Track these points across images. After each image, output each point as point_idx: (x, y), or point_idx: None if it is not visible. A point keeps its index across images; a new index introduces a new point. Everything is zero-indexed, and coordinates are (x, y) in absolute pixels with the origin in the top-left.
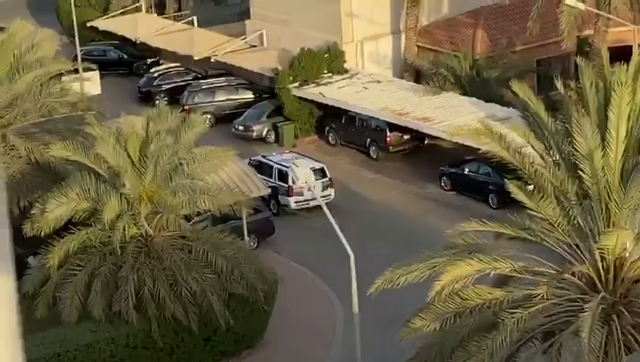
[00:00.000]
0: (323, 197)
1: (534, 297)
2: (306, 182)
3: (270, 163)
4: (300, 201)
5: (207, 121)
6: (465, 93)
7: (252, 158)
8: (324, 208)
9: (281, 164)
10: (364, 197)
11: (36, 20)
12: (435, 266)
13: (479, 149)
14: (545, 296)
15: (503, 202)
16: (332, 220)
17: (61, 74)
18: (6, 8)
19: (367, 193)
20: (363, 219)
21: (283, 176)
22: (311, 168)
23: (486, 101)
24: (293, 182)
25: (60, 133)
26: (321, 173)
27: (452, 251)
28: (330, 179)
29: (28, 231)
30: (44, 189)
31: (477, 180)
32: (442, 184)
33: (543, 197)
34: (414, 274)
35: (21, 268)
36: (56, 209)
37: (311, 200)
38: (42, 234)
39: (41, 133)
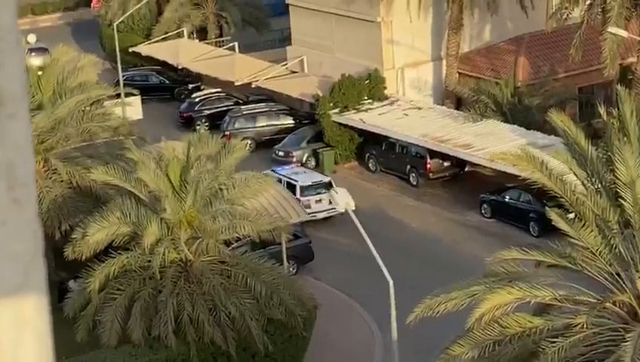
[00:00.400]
0: (329, 210)
1: (575, 326)
2: (346, 208)
3: (279, 175)
4: (308, 213)
5: (248, 147)
6: (506, 121)
7: (262, 172)
8: (364, 235)
9: (289, 177)
10: (404, 224)
11: (79, 46)
12: (474, 294)
13: (520, 176)
14: (585, 325)
15: (544, 230)
16: (371, 247)
17: (103, 99)
18: (51, 34)
19: (406, 220)
20: (403, 245)
21: (291, 188)
22: (317, 181)
23: (527, 128)
24: (302, 192)
25: (102, 158)
26: (328, 187)
27: (492, 279)
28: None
29: (69, 255)
30: (86, 213)
31: (518, 208)
32: (482, 211)
33: (584, 225)
34: (454, 301)
35: (62, 292)
36: (97, 233)
37: (317, 212)
38: (83, 258)
39: (83, 157)
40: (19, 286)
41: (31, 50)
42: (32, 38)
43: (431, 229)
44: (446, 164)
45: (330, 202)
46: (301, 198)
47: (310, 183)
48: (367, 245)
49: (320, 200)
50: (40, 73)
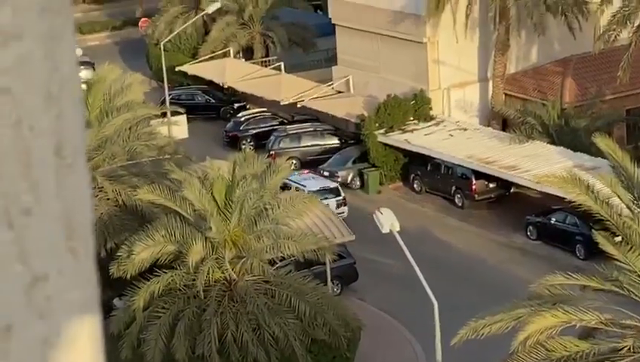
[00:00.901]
0: (337, 214)
1: (621, 350)
2: (391, 230)
3: (288, 181)
4: None
5: (293, 166)
6: (553, 142)
7: None
8: (409, 256)
9: (298, 183)
10: (449, 245)
11: (127, 65)
12: (519, 317)
13: (566, 199)
14: (632, 349)
15: (591, 253)
16: (416, 268)
17: (149, 117)
18: (98, 53)
19: (451, 241)
20: (447, 267)
21: None
22: (325, 187)
23: (574, 150)
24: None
25: (147, 176)
26: (335, 192)
27: (537, 302)
28: (344, 198)
29: (114, 273)
30: (131, 231)
31: (564, 230)
32: (528, 233)
33: (630, 248)
34: (499, 324)
35: (107, 310)
36: (143, 251)
37: None
38: (128, 276)
39: (129, 175)
40: (74, 336)
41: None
42: (78, 52)
43: (476, 251)
44: (491, 185)
45: (338, 206)
46: None
47: (318, 188)
48: (412, 266)
49: (327, 205)
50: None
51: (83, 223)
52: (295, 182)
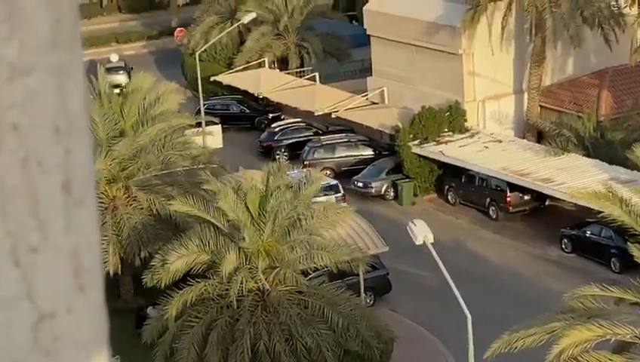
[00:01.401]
0: None
1: None
2: (424, 241)
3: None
4: None
5: (327, 177)
6: (588, 155)
7: None
8: (442, 268)
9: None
10: (483, 258)
11: (162, 74)
12: (553, 330)
13: (601, 212)
14: None
15: (626, 266)
16: (449, 280)
17: (184, 127)
18: (134, 62)
19: (485, 253)
20: (481, 279)
21: None
22: (325, 184)
23: (610, 163)
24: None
25: (182, 186)
26: (335, 188)
27: (571, 315)
28: (344, 195)
29: (148, 282)
30: (165, 241)
31: (599, 243)
32: (563, 246)
33: None
34: (532, 337)
35: (140, 319)
36: (176, 261)
37: None
38: (162, 285)
39: (163, 185)
40: None
41: (109, 69)
42: (114, 57)
43: (510, 263)
44: (526, 197)
45: (337, 202)
46: None
47: None
48: (446, 278)
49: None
50: (117, 91)
51: (92, 260)
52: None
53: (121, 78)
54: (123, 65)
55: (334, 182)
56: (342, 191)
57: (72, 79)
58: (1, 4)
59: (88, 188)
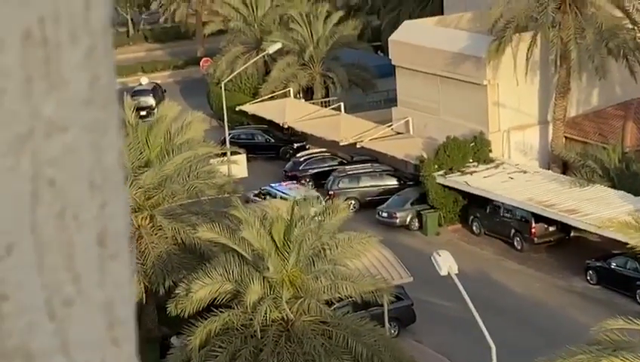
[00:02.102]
0: None
1: None
2: (449, 272)
3: (275, 191)
4: None
5: (351, 207)
6: (613, 186)
7: (262, 187)
8: (467, 298)
9: (283, 192)
10: (507, 289)
11: (188, 103)
12: None
13: (627, 243)
14: None
15: None
16: (474, 310)
17: (209, 156)
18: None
19: (510, 284)
20: (506, 310)
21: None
22: (307, 196)
23: (635, 195)
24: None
25: (207, 215)
26: (316, 200)
27: (597, 347)
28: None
29: (172, 311)
30: (189, 270)
31: (624, 275)
32: (588, 278)
33: None
34: None
35: (164, 348)
36: (201, 290)
37: None
38: (186, 314)
39: (188, 214)
40: None
41: (137, 92)
42: (144, 80)
43: (535, 294)
44: (551, 228)
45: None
46: None
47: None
48: (470, 309)
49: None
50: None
51: (126, 313)
52: (280, 191)
53: (148, 100)
54: (151, 88)
55: (316, 194)
56: (323, 203)
57: (108, 135)
58: (40, 62)
59: (123, 242)
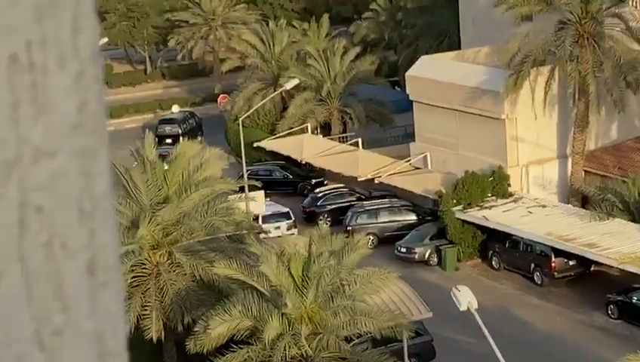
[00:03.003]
0: (286, 235)
1: None
2: (468, 307)
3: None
4: (266, 236)
5: (370, 243)
6: (633, 220)
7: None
8: (487, 334)
9: None
10: (528, 324)
11: (205, 140)
12: None
13: None
14: None
15: None
16: (494, 346)
17: (227, 193)
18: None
19: (530, 319)
20: (526, 345)
21: (255, 217)
22: (276, 212)
23: None
24: (263, 221)
25: (225, 252)
26: (286, 216)
27: None
28: (295, 221)
29: (191, 348)
30: (208, 306)
31: None
32: (609, 312)
33: None
34: None
35: None
36: (219, 326)
37: (276, 236)
38: (205, 351)
39: (207, 251)
40: None
41: (163, 120)
42: (175, 108)
43: (555, 329)
44: (571, 262)
45: (288, 229)
46: (263, 225)
47: (270, 213)
48: (490, 344)
49: (278, 227)
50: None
51: (117, 343)
52: None
53: (174, 129)
54: (181, 117)
55: (286, 209)
56: (292, 218)
57: (97, 162)
58: (27, 87)
59: (114, 271)
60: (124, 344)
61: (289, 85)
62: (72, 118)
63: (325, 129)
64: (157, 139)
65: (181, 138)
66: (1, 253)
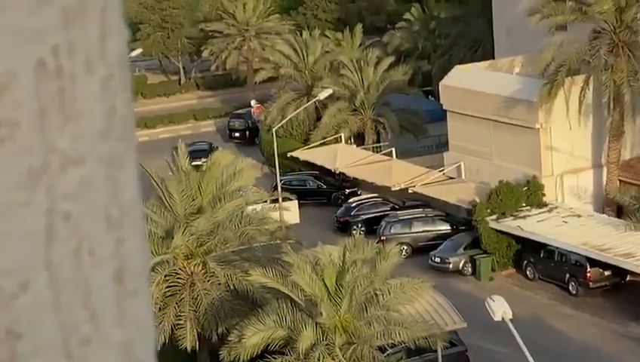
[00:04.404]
0: None
1: None
2: (503, 317)
3: None
4: None
5: (404, 252)
6: None
7: None
8: (521, 344)
9: None
10: (562, 334)
11: (239, 150)
12: None
13: None
14: None
15: None
16: (529, 356)
17: (261, 202)
18: (212, 138)
19: (565, 329)
20: (561, 356)
21: None
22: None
23: None
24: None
25: (259, 261)
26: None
27: None
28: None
29: (225, 358)
30: (242, 316)
31: None
32: None
33: None
34: None
35: None
36: (254, 336)
37: None
38: (239, 360)
39: (240, 260)
40: None
41: (232, 116)
42: (253, 103)
43: (590, 340)
44: (607, 273)
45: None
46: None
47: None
48: (525, 355)
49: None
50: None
51: (145, 352)
52: None
53: (243, 123)
54: (247, 113)
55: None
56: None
57: (125, 169)
58: (55, 93)
59: (142, 279)
60: (153, 353)
61: (323, 95)
62: (100, 124)
63: (359, 139)
64: (228, 132)
65: (247, 132)
66: (29, 260)
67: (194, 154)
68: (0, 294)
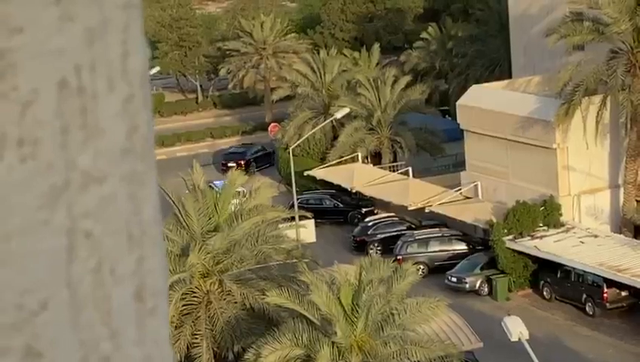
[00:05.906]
0: None
1: None
2: (519, 338)
3: (214, 185)
4: None
5: (420, 272)
6: None
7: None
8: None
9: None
10: (579, 355)
11: (256, 168)
12: None
13: None
14: None
15: None
16: None
17: (278, 221)
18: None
19: (582, 350)
20: None
21: None
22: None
23: None
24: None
25: (275, 280)
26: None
27: None
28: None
29: None
30: (258, 335)
31: None
32: None
33: None
34: None
35: None
36: (270, 355)
37: None
38: None
39: (257, 279)
40: None
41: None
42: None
43: (607, 361)
44: (624, 293)
45: None
46: None
47: None
48: None
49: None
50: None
51: None
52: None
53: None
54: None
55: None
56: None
57: (146, 187)
58: (77, 111)
59: (161, 298)
60: None
61: (339, 114)
62: (121, 142)
63: (375, 158)
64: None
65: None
66: (49, 278)
67: (228, 157)
68: (20, 312)
